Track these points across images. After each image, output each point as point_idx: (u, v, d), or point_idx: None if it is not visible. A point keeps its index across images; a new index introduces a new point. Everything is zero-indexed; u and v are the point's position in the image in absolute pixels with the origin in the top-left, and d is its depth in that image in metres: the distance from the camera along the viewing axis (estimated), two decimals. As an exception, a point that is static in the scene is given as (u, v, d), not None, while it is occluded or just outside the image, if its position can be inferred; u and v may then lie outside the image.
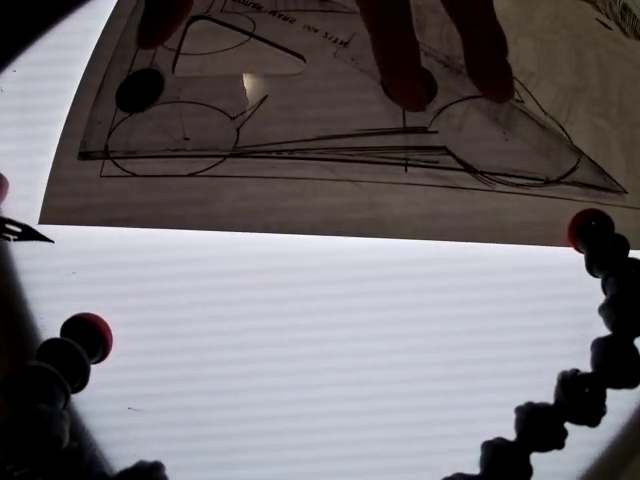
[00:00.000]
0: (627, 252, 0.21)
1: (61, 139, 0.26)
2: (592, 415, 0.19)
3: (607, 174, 0.24)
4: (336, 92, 0.26)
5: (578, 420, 0.19)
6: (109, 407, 0.22)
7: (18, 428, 0.18)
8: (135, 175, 0.25)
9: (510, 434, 0.19)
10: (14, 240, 0.23)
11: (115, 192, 0.25)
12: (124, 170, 0.25)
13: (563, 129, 0.25)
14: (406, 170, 0.24)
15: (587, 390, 0.19)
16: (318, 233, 0.24)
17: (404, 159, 0.24)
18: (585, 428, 0.19)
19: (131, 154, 0.25)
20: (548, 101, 0.25)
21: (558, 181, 0.24)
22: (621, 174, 0.24)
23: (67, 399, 0.20)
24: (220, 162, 0.25)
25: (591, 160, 0.24)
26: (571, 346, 0.21)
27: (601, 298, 0.21)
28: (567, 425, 0.19)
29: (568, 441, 0.19)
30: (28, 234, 0.23)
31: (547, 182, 0.24)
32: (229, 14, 0.28)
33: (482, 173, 0.24)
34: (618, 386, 0.19)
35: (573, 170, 0.24)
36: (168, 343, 0.23)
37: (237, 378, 0.22)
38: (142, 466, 0.19)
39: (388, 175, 0.24)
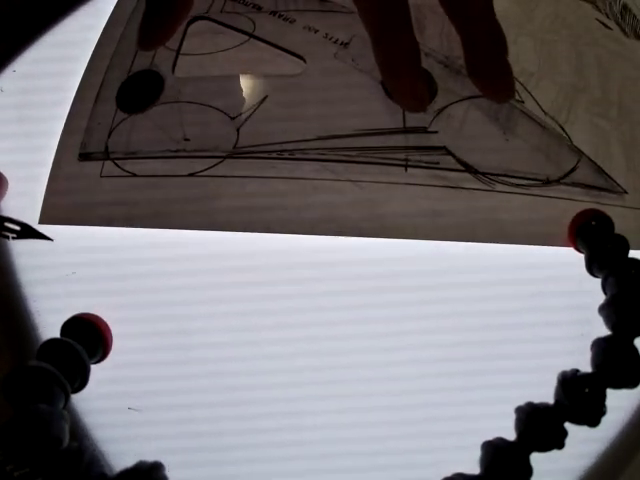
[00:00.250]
0: (627, 252, 0.21)
1: (61, 139, 0.26)
2: (592, 415, 0.19)
3: (607, 174, 0.24)
4: (336, 92, 0.26)
5: (578, 420, 0.19)
6: (109, 407, 0.22)
7: (18, 428, 0.18)
8: (135, 175, 0.25)
9: (510, 434, 0.19)
10: (13, 238, 0.23)
11: (115, 192, 0.25)
12: (124, 170, 0.25)
13: (563, 129, 0.25)
14: (406, 170, 0.24)
15: (587, 390, 0.19)
16: (318, 233, 0.24)
17: (404, 159, 0.24)
18: (585, 428, 0.19)
19: (131, 154, 0.25)
20: (548, 101, 0.25)
21: (558, 181, 0.24)
22: (621, 174, 0.24)
23: (67, 399, 0.20)
24: (220, 162, 0.25)
25: (591, 160, 0.24)
26: (571, 346, 0.21)
27: (601, 298, 0.21)
28: (567, 425, 0.19)
29: (568, 441, 0.19)
30: (27, 232, 0.23)
31: (547, 182, 0.24)
32: (229, 14, 0.28)
33: (482, 173, 0.24)
34: (618, 386, 0.19)
35: (573, 170, 0.24)
36: (168, 343, 0.23)
37: (237, 377, 0.22)
38: (142, 466, 0.19)
39: (388, 175, 0.24)
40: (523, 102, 0.25)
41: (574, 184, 0.24)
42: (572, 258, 0.23)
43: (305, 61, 0.27)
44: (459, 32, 0.24)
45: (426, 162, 0.24)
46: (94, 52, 0.28)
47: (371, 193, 0.24)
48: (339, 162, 0.24)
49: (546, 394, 0.20)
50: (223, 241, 0.24)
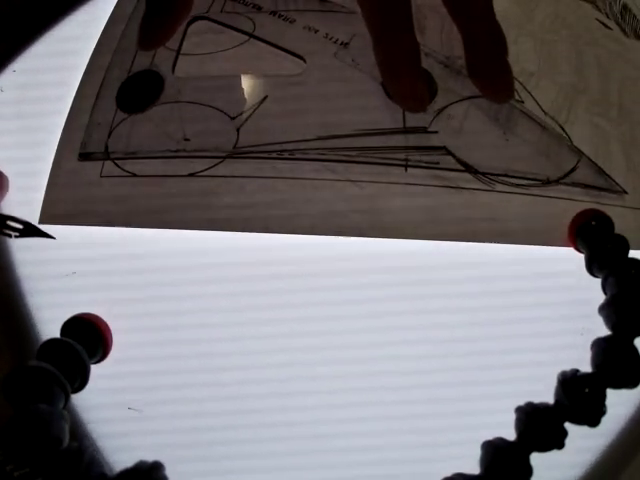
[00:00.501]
0: (627, 252, 0.21)
1: (61, 139, 0.26)
2: (592, 415, 0.19)
3: (607, 174, 0.24)
4: (336, 92, 0.26)
5: (578, 420, 0.19)
6: (109, 407, 0.22)
7: (18, 428, 0.18)
8: (135, 175, 0.25)
9: (510, 434, 0.19)
10: (15, 237, 0.23)
11: (115, 192, 0.25)
12: (124, 170, 0.25)
13: (563, 129, 0.25)
14: (406, 170, 0.24)
15: (587, 390, 0.19)
16: (318, 233, 0.24)
17: (404, 159, 0.24)
18: (585, 428, 0.19)
19: (131, 154, 0.25)
20: (548, 101, 0.25)
21: (558, 181, 0.24)
22: (621, 174, 0.24)
23: (67, 399, 0.20)
24: (220, 162, 0.25)
25: (591, 160, 0.24)
26: (571, 346, 0.21)
27: (601, 298, 0.21)
28: (567, 425, 0.19)
29: (568, 441, 0.19)
30: (29, 231, 0.23)
31: (547, 182, 0.24)
32: (229, 14, 0.28)
33: (482, 173, 0.24)
34: (618, 386, 0.19)
35: (573, 170, 0.24)
36: (168, 343, 0.23)
37: (237, 378, 0.22)
38: (142, 466, 0.19)
39: (388, 175, 0.24)
40: (523, 102, 0.25)
41: (574, 184, 0.24)
42: (572, 258, 0.23)
43: (305, 61, 0.27)
44: (461, 31, 0.24)
45: (426, 162, 0.24)
46: (94, 52, 0.28)
47: (371, 193, 0.24)
48: (339, 162, 0.24)
49: (546, 394, 0.20)
50: (223, 241, 0.24)
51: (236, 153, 0.25)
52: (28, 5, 0.29)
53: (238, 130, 0.25)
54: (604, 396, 0.19)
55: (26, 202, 0.25)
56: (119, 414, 0.22)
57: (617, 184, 0.24)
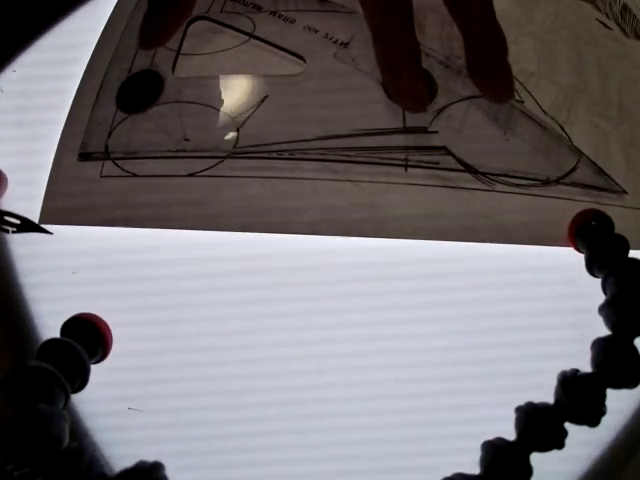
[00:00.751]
0: (627, 252, 0.21)
1: (61, 139, 0.26)
2: (592, 415, 0.19)
3: (607, 174, 0.24)
4: (336, 92, 0.26)
5: (578, 420, 0.19)
6: (109, 407, 0.22)
7: (18, 428, 0.18)
8: (135, 175, 0.25)
9: (510, 434, 0.19)
10: (12, 232, 0.23)
11: (115, 192, 0.25)
12: (124, 170, 0.25)
13: (563, 129, 0.25)
14: (406, 170, 0.24)
15: (587, 390, 0.19)
16: (318, 233, 0.24)
17: (404, 159, 0.24)
18: (585, 428, 0.19)
19: (131, 154, 0.25)
20: (548, 101, 0.25)
21: (558, 181, 0.24)
22: (621, 174, 0.24)
23: (67, 399, 0.20)
24: (220, 162, 0.25)
25: (591, 160, 0.24)
26: (571, 346, 0.21)
27: (601, 298, 0.21)
28: (567, 425, 0.19)
29: (568, 441, 0.19)
30: (27, 226, 0.23)
31: (547, 182, 0.24)
32: (229, 14, 0.28)
33: (482, 173, 0.24)
34: (618, 386, 0.19)
35: (573, 170, 0.24)
36: (168, 343, 0.23)
37: (237, 378, 0.22)
38: (142, 466, 0.19)
39: (388, 175, 0.24)
40: (523, 102, 0.25)
41: (574, 184, 0.24)
42: (572, 258, 0.23)
43: (305, 61, 0.27)
44: (461, 31, 0.24)
45: (426, 162, 0.24)
46: (94, 52, 0.28)
47: (371, 193, 0.24)
48: (339, 162, 0.24)
49: (546, 394, 0.20)
50: (223, 241, 0.24)
51: (236, 153, 0.25)
52: (28, 5, 0.29)
53: (238, 130, 0.25)
54: (604, 396, 0.19)
55: (26, 202, 0.25)
56: (119, 414, 0.22)
57: (617, 184, 0.24)
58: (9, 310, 0.24)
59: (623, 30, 0.28)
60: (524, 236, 0.23)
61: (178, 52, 0.27)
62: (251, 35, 0.27)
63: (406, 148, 0.24)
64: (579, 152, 0.24)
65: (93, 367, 0.21)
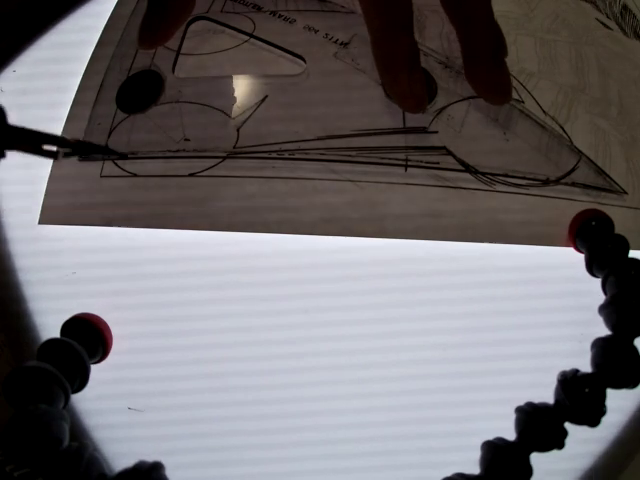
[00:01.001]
0: (627, 252, 0.21)
1: (61, 139, 0.26)
2: (592, 415, 0.19)
3: (607, 174, 0.24)
4: (336, 92, 0.26)
5: (578, 420, 0.19)
6: (109, 407, 0.22)
7: (18, 428, 0.18)
8: (135, 175, 0.25)
9: (510, 434, 0.19)
10: (66, 155, 0.20)
11: (115, 192, 0.25)
12: (124, 170, 0.25)
13: (563, 129, 0.25)
14: (406, 170, 0.24)
15: (587, 390, 0.19)
16: (318, 233, 0.24)
17: (404, 159, 0.24)
18: (585, 428, 0.19)
19: (131, 154, 0.25)
20: (548, 101, 0.25)
21: (558, 181, 0.24)
22: (621, 174, 0.24)
23: (67, 399, 0.20)
24: (220, 162, 0.25)
25: (591, 160, 0.24)
26: (571, 346, 0.21)
27: (601, 298, 0.21)
28: (567, 425, 0.19)
29: (568, 441, 0.19)
30: (83, 148, 0.20)
31: (547, 182, 0.24)
32: (229, 14, 0.28)
33: (482, 173, 0.24)
34: (618, 386, 0.19)
35: (573, 170, 0.24)
36: (168, 343, 0.23)
37: (237, 377, 0.22)
38: (142, 466, 0.19)
39: (388, 175, 0.24)
40: (523, 102, 0.25)
41: (574, 184, 0.24)
42: (572, 258, 0.23)
43: (305, 61, 0.27)
44: (458, 33, 0.24)
45: (426, 162, 0.24)
46: (94, 52, 0.28)
47: (371, 193, 0.24)
48: (339, 162, 0.24)
49: (546, 394, 0.20)
50: (223, 241, 0.24)
51: (236, 153, 0.25)
52: (28, 5, 0.29)
53: (238, 130, 0.25)
54: (604, 396, 0.19)
55: (26, 201, 0.25)
56: (119, 414, 0.22)
57: (617, 184, 0.24)
58: (9, 310, 0.24)
59: (623, 30, 0.28)
60: (524, 236, 0.23)
61: (178, 52, 0.27)
62: (251, 35, 0.27)
63: (406, 148, 0.24)
64: (579, 152, 0.24)
65: (93, 367, 0.21)
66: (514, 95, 0.25)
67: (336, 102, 0.26)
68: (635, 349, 0.19)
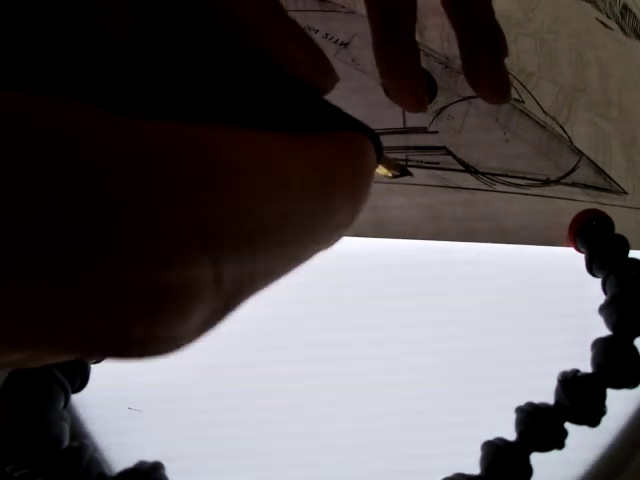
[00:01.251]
0: (627, 252, 0.21)
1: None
2: (592, 415, 0.19)
3: (607, 174, 0.24)
4: (336, 92, 0.26)
5: (578, 420, 0.19)
6: (109, 407, 0.22)
7: (18, 428, 0.18)
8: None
9: (510, 434, 0.19)
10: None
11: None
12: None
13: (563, 129, 0.25)
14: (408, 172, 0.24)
15: (587, 390, 0.19)
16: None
17: (404, 159, 0.24)
18: (585, 428, 0.19)
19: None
20: (548, 101, 0.25)
21: (558, 181, 0.24)
22: (621, 174, 0.24)
23: (67, 399, 0.20)
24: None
25: (591, 160, 0.24)
26: (571, 346, 0.21)
27: (601, 298, 0.21)
28: (567, 425, 0.19)
29: (568, 441, 0.19)
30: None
31: (547, 182, 0.24)
32: (229, 14, 0.28)
33: (482, 173, 0.24)
34: (618, 386, 0.19)
35: (573, 170, 0.24)
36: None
37: (237, 379, 0.22)
38: (142, 466, 0.19)
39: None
40: (523, 102, 0.25)
41: (574, 184, 0.24)
42: (572, 258, 0.23)
43: (305, 61, 0.27)
44: (457, 33, 0.24)
45: (426, 162, 0.24)
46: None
47: (371, 193, 0.24)
48: (339, 162, 0.24)
49: (546, 394, 0.20)
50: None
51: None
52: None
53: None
54: (604, 396, 0.19)
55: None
56: (119, 414, 0.22)
57: (617, 184, 0.24)
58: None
59: (623, 30, 0.28)
60: (524, 236, 0.23)
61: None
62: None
63: (406, 148, 0.24)
64: (579, 152, 0.24)
65: (93, 367, 0.21)
66: (514, 95, 0.25)
67: (336, 102, 0.25)
68: (635, 349, 0.19)
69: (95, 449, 0.22)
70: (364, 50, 0.25)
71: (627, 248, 0.21)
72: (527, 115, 0.25)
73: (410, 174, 0.17)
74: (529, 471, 0.18)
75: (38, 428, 0.18)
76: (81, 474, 0.18)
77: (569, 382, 0.19)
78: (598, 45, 0.27)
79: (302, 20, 0.28)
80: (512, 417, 0.20)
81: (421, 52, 0.24)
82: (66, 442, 0.18)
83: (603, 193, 0.24)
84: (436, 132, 0.25)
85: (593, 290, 0.21)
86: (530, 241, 0.23)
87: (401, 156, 0.24)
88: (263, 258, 0.08)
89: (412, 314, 0.23)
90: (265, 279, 0.09)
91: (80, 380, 0.21)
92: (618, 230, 0.22)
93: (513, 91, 0.24)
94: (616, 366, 0.19)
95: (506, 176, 0.24)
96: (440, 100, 0.25)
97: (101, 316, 0.07)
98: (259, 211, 0.08)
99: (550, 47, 0.27)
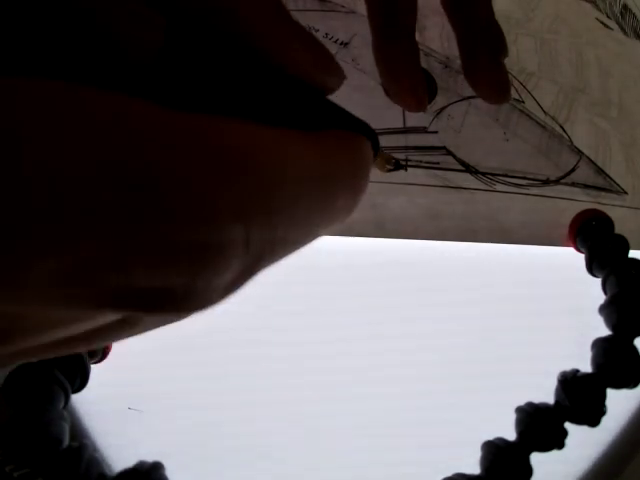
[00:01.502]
0: (627, 252, 0.21)
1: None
2: (592, 415, 0.19)
3: (607, 174, 0.24)
4: (336, 92, 0.26)
5: (578, 420, 0.19)
6: (109, 407, 0.22)
7: (18, 428, 0.18)
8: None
9: (510, 434, 0.19)
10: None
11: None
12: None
13: (563, 129, 0.25)
14: (406, 170, 0.24)
15: (587, 390, 0.19)
16: (318, 233, 0.24)
17: (404, 159, 0.24)
18: (585, 428, 0.19)
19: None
20: (548, 101, 0.25)
21: (558, 181, 0.24)
22: (621, 174, 0.24)
23: (67, 399, 0.20)
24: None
25: (591, 160, 0.24)
26: (571, 346, 0.21)
27: (601, 298, 0.21)
28: (567, 425, 0.19)
29: (568, 441, 0.19)
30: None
31: (547, 182, 0.24)
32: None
33: (482, 173, 0.24)
34: (618, 386, 0.19)
35: (573, 170, 0.24)
36: (168, 343, 0.23)
37: (237, 378, 0.22)
38: (142, 466, 0.19)
39: (388, 175, 0.24)
40: (523, 102, 0.25)
41: (574, 184, 0.24)
42: (572, 258, 0.23)
43: (305, 61, 0.27)
44: (457, 32, 0.24)
45: (426, 162, 0.24)
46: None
47: (371, 193, 0.24)
48: (339, 162, 0.24)
49: (546, 394, 0.20)
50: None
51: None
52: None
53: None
54: (604, 396, 0.19)
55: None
56: (119, 414, 0.22)
57: (617, 184, 0.24)
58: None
59: (623, 30, 0.28)
60: (524, 236, 0.23)
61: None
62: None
63: (406, 148, 0.24)
64: (579, 152, 0.24)
65: (93, 367, 0.21)
66: (514, 95, 0.25)
67: (335, 102, 0.25)
68: (635, 349, 0.19)
69: (95, 449, 0.22)
70: (364, 50, 0.25)
71: (627, 248, 0.21)
72: (527, 115, 0.25)
73: (404, 168, 0.18)
74: (529, 471, 0.18)
75: (38, 428, 0.18)
76: (81, 474, 0.18)
77: (569, 382, 0.19)
78: (598, 45, 0.27)
79: (302, 20, 0.27)
80: (512, 416, 0.20)
81: (421, 52, 0.24)
82: (66, 442, 0.18)
83: (603, 193, 0.24)
84: (436, 132, 0.25)
85: (593, 290, 0.21)
86: (530, 241, 0.23)
87: (401, 156, 0.24)
88: (280, 230, 0.10)
89: (410, 313, 0.23)
90: (281, 249, 0.12)
91: (80, 380, 0.21)
92: (618, 230, 0.22)
93: (513, 91, 0.24)
94: (616, 366, 0.19)
95: (506, 176, 0.24)
96: (440, 100, 0.25)
97: (154, 269, 0.09)
98: (278, 193, 0.10)
99: (550, 47, 0.27)
